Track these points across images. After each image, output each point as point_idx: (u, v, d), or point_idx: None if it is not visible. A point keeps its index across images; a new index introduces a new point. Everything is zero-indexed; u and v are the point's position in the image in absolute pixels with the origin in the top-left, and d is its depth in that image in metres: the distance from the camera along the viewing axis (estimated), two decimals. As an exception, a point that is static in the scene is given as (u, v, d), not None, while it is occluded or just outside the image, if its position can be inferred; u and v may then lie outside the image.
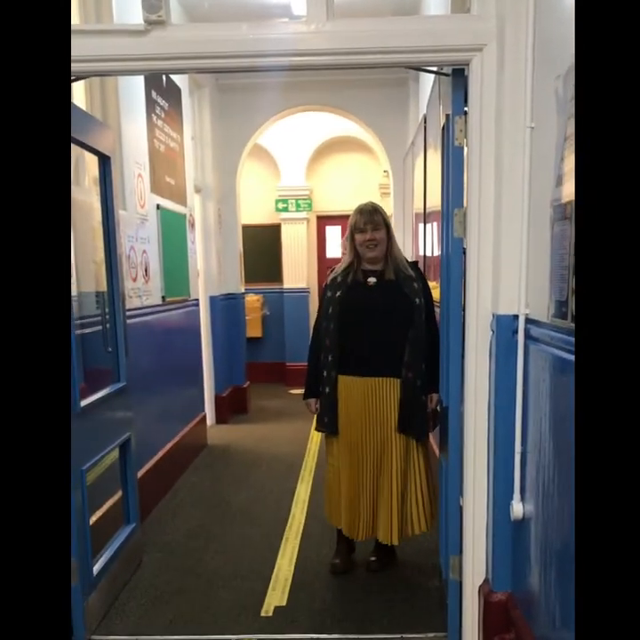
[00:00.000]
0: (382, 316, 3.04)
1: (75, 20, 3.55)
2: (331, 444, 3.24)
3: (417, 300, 3.04)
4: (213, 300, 6.47)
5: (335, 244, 9.07)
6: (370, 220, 3.05)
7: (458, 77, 2.40)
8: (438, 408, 3.13)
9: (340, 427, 3.14)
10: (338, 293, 3.11)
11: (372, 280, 3.09)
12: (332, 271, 3.23)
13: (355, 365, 3.09)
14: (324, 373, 3.14)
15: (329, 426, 3.16)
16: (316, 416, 3.27)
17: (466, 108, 2.40)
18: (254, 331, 8.68)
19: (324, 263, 8.95)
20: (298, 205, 8.78)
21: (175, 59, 2.38)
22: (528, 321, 2.18)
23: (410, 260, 3.28)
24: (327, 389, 3.14)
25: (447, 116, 2.49)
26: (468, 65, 2.31)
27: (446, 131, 2.51)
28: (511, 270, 2.26)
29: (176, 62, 2.41)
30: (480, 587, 2.53)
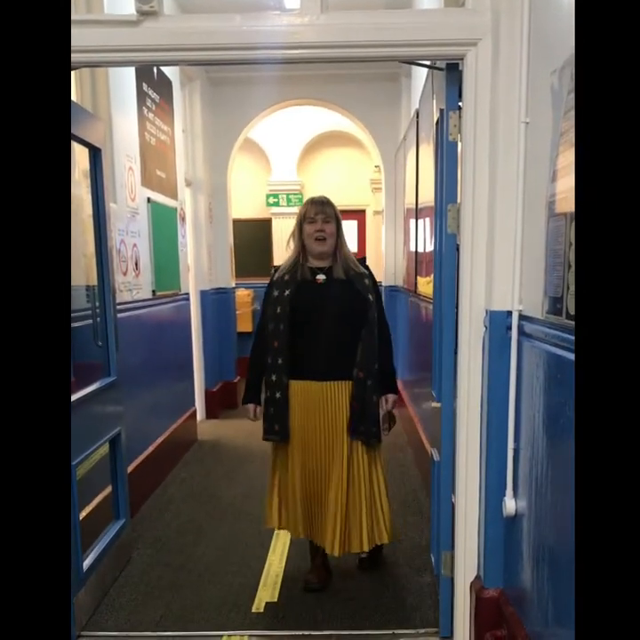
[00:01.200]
0: (335, 314, 2.90)
1: (65, 10, 3.51)
2: (281, 452, 3.06)
3: (369, 297, 2.92)
4: (204, 295, 6.44)
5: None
6: (321, 211, 2.93)
7: (452, 72, 2.39)
8: (394, 411, 3.08)
9: (293, 434, 2.96)
10: (286, 292, 2.92)
11: (321, 277, 2.94)
12: (276, 270, 3.07)
13: (308, 369, 2.92)
14: (273, 377, 2.93)
15: (281, 433, 2.96)
16: (262, 424, 3.02)
17: (460, 103, 2.39)
18: (245, 325, 8.65)
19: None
20: (289, 200, 8.77)
21: (168, 50, 2.36)
22: (522, 317, 2.17)
23: (366, 257, 3.19)
24: (277, 394, 2.93)
25: (441, 110, 2.47)
26: (462, 59, 2.30)
27: (440, 126, 2.50)
28: (505, 266, 2.25)
29: (168, 54, 2.39)
30: (472, 583, 2.53)
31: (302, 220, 2.97)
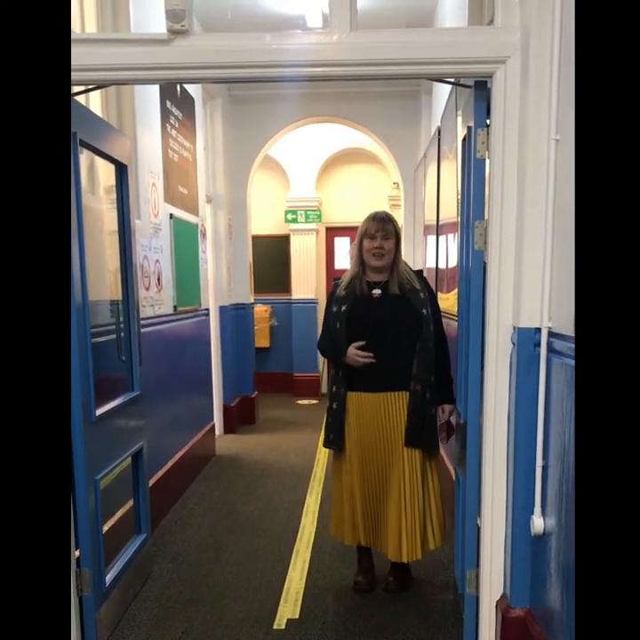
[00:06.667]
0: (390, 328, 2.98)
1: (92, 29, 3.56)
2: (340, 461, 3.17)
3: (424, 311, 2.98)
4: (223, 310, 6.47)
5: (344, 256, 9.10)
6: (381, 228, 3.00)
7: (480, 89, 2.39)
8: (452, 420, 3.10)
9: (350, 443, 3.07)
10: (343, 307, 3.05)
11: (376, 292, 3.03)
12: (336, 283, 3.18)
13: (364, 381, 3.02)
14: (333, 388, 3.11)
15: (335, 442, 3.11)
16: (322, 433, 3.20)
17: (488, 121, 2.39)
18: (262, 341, 8.67)
19: (332, 274, 8.93)
20: (307, 216, 8.79)
21: (197, 68, 2.39)
22: (551, 334, 2.16)
23: (415, 269, 3.22)
24: (334, 405, 3.08)
25: (469, 128, 2.48)
26: (491, 77, 2.31)
27: (467, 143, 2.51)
28: (533, 283, 2.24)
29: (198, 71, 2.42)
30: (497, 602, 2.50)
31: (363, 235, 3.04)
